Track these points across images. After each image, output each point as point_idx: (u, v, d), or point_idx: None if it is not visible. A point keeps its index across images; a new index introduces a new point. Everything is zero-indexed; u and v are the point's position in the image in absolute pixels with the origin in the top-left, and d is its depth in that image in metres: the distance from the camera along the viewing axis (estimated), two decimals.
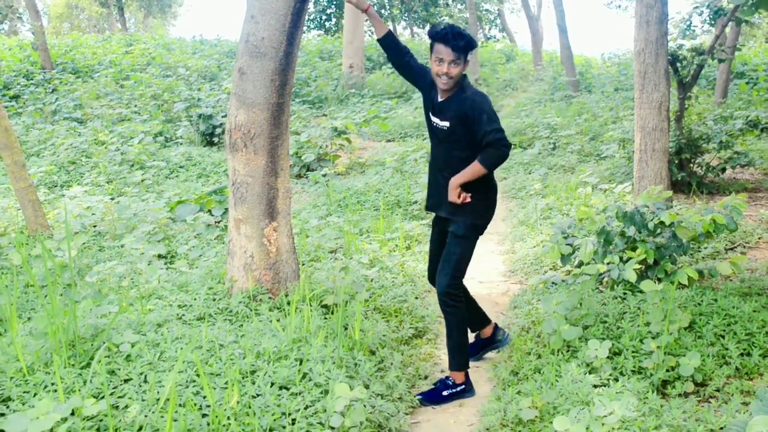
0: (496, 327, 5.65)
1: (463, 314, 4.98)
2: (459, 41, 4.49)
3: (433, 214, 5.24)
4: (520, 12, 46.82)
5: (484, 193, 4.87)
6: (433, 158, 5.03)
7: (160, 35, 36.63)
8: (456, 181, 4.71)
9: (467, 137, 4.69)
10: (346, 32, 24.42)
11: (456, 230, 4.88)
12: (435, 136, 4.93)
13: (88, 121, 16.83)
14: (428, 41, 4.69)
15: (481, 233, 4.99)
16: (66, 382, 3.85)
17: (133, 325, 4.78)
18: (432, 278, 5.29)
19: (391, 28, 34.68)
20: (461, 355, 5.01)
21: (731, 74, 19.14)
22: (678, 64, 10.32)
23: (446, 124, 4.73)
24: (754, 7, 5.17)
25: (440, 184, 4.91)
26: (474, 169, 4.66)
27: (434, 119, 4.85)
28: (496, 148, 4.57)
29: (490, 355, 5.73)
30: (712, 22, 10.73)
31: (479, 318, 5.54)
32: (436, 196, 5.02)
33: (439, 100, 4.78)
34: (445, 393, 4.96)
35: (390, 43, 5.03)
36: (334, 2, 40.23)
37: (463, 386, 5.00)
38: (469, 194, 4.76)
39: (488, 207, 4.94)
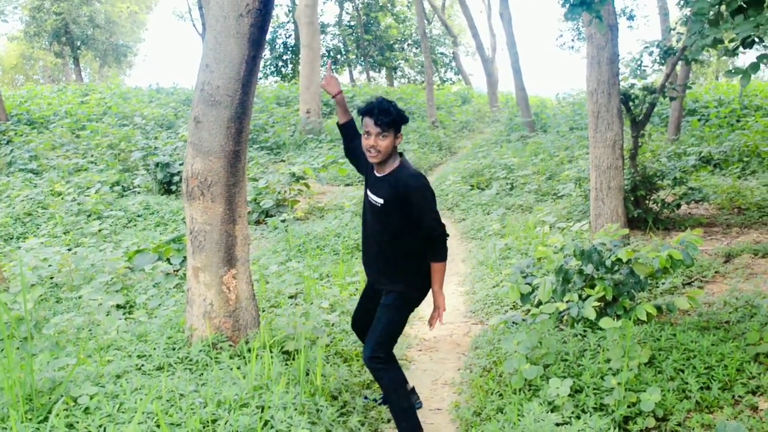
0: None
1: (395, 375, 4.78)
2: (384, 117, 4.51)
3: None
4: (474, 54, 47.37)
5: (417, 271, 4.82)
6: (365, 230, 5.00)
7: (115, 84, 36.56)
8: (441, 302, 4.83)
9: (399, 216, 4.66)
10: (302, 78, 24.52)
11: (386, 300, 4.85)
12: (369, 210, 4.88)
13: (43, 172, 16.69)
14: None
15: (415, 305, 4.92)
16: None
17: (91, 377, 4.73)
18: (355, 327, 5.30)
19: (347, 71, 34.79)
20: (407, 419, 4.78)
21: (683, 111, 19.48)
22: (630, 103, 10.50)
23: (380, 201, 4.69)
24: (702, 48, 5.29)
25: (374, 254, 4.91)
26: (441, 272, 4.77)
27: (370, 194, 4.83)
28: (442, 241, 4.67)
29: (451, 397, 5.72)
30: (663, 62, 10.93)
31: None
32: (372, 268, 5.01)
33: (377, 175, 4.77)
34: None
35: (349, 130, 5.17)
36: (290, 49, 40.46)
37: None
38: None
39: (424, 286, 4.87)
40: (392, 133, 4.57)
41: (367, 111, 4.57)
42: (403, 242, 4.72)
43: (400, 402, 4.73)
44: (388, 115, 4.52)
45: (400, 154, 4.74)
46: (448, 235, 4.73)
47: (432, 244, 4.65)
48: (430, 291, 4.87)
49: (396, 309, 4.80)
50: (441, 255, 4.70)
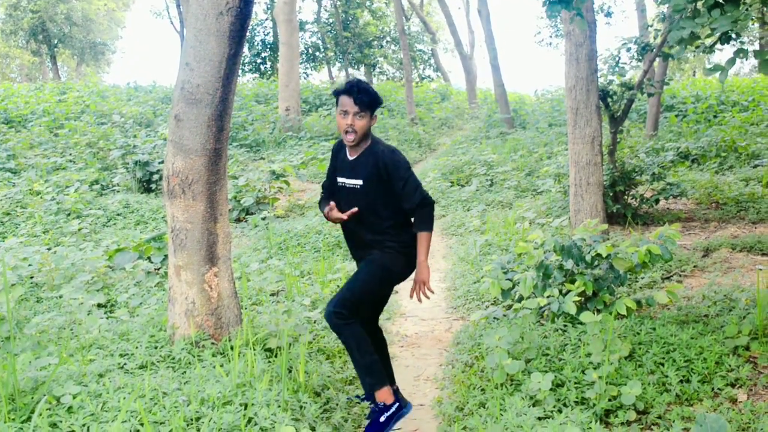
0: (396, 390, 5.26)
1: (356, 330, 4.63)
2: (363, 96, 4.54)
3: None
4: (453, 51, 47.33)
5: (404, 246, 4.81)
6: (345, 223, 4.93)
7: (93, 83, 36.31)
8: (426, 274, 4.77)
9: (380, 192, 4.69)
10: (281, 75, 24.49)
11: (369, 257, 4.83)
12: (346, 198, 4.86)
13: (22, 171, 16.58)
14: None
15: (395, 282, 4.92)
16: None
17: (74, 377, 4.72)
18: None
19: (326, 68, 34.54)
20: (372, 374, 4.69)
21: (661, 107, 19.59)
22: (609, 100, 10.56)
23: (359, 182, 4.70)
24: (682, 45, 5.33)
25: (359, 241, 4.92)
26: (427, 242, 4.73)
27: (345, 180, 4.83)
28: (429, 207, 4.68)
29: (434, 392, 5.75)
30: (640, 58, 10.99)
31: (388, 374, 5.24)
32: (359, 249, 5.00)
33: (350, 158, 4.78)
34: (382, 419, 4.69)
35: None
36: (269, 46, 40.36)
37: (396, 404, 4.73)
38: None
39: (408, 264, 4.85)
40: (369, 114, 4.61)
41: (345, 90, 4.60)
42: (384, 219, 4.74)
43: (363, 357, 4.64)
44: (367, 95, 4.56)
45: (373, 136, 4.78)
46: (435, 202, 4.75)
47: (420, 213, 4.67)
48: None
49: (375, 271, 4.76)
50: (428, 224, 4.71)
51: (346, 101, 4.57)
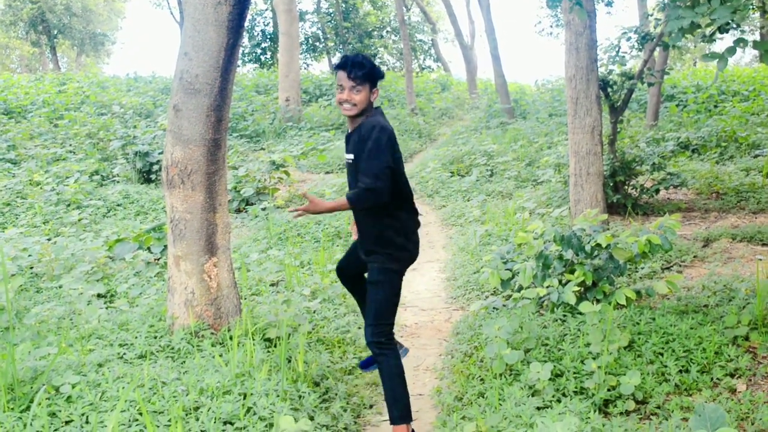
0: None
1: (392, 362, 4.64)
2: (357, 70, 4.46)
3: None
4: (453, 41, 47.27)
5: (390, 237, 4.66)
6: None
7: (93, 73, 36.31)
8: (314, 207, 4.49)
9: None
10: (281, 66, 24.45)
11: (370, 276, 4.73)
12: (347, 174, 4.82)
13: (22, 162, 16.56)
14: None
15: (399, 275, 4.74)
16: (5, 426, 3.79)
17: (73, 366, 4.73)
18: (340, 273, 5.22)
19: (326, 58, 34.41)
20: (398, 407, 4.65)
21: (661, 97, 19.57)
22: (609, 89, 10.54)
23: (351, 156, 4.61)
24: (681, 33, 5.30)
25: (358, 221, 4.83)
26: (339, 205, 4.48)
27: (345, 156, 4.77)
28: (370, 193, 4.36)
29: (433, 382, 5.76)
30: (641, 47, 10.97)
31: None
32: (359, 237, 4.87)
33: (349, 131, 4.71)
34: None
35: None
36: (269, 36, 40.31)
37: None
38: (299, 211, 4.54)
39: (400, 249, 4.70)
40: (367, 87, 4.52)
41: (340, 65, 4.54)
42: None
43: (395, 388, 4.63)
44: (361, 68, 4.48)
45: (377, 108, 4.69)
46: (374, 192, 4.37)
47: (360, 190, 4.38)
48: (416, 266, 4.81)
49: (381, 285, 4.65)
50: (356, 197, 4.40)
51: (341, 75, 4.51)
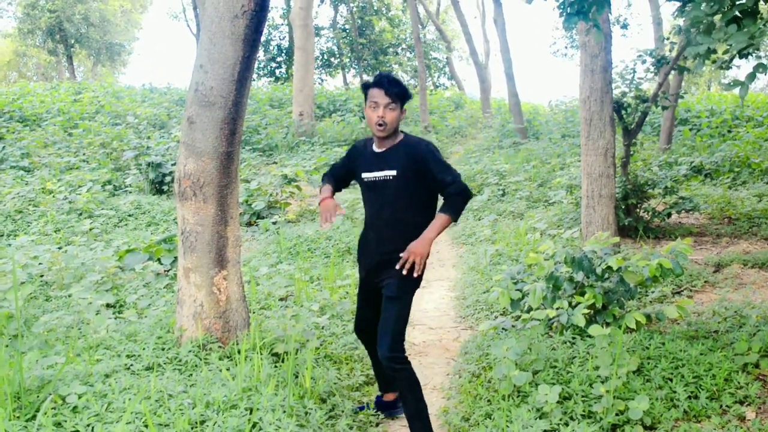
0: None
1: (410, 375, 4.63)
2: (394, 87, 4.50)
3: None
4: (468, 60, 47.39)
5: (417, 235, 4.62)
6: (371, 214, 4.87)
7: (109, 83, 36.50)
8: (421, 247, 4.48)
9: (416, 183, 4.59)
10: (295, 80, 24.51)
11: (389, 292, 4.69)
12: (375, 191, 4.76)
13: (35, 170, 16.66)
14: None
15: (416, 286, 4.77)
16: None
17: (80, 376, 4.72)
18: (360, 331, 5.18)
19: (341, 74, 34.74)
20: (420, 419, 4.66)
21: (675, 121, 19.57)
22: (623, 112, 10.53)
23: (392, 172, 4.58)
24: (701, 60, 5.30)
25: (382, 236, 4.76)
26: (443, 224, 4.52)
27: (372, 175, 4.72)
28: (464, 197, 4.53)
29: (440, 402, 5.73)
30: (656, 71, 10.97)
31: (386, 379, 5.32)
32: (374, 255, 4.83)
33: (378, 151, 4.70)
34: None
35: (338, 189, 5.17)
36: (284, 51, 40.47)
37: None
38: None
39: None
40: (399, 107, 4.56)
41: (376, 83, 4.56)
42: (410, 212, 4.65)
43: (416, 402, 4.64)
44: (398, 85, 4.53)
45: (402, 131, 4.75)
46: (470, 194, 4.61)
47: (453, 199, 4.52)
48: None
49: (402, 301, 4.67)
50: (455, 211, 4.52)
51: (377, 93, 4.52)
